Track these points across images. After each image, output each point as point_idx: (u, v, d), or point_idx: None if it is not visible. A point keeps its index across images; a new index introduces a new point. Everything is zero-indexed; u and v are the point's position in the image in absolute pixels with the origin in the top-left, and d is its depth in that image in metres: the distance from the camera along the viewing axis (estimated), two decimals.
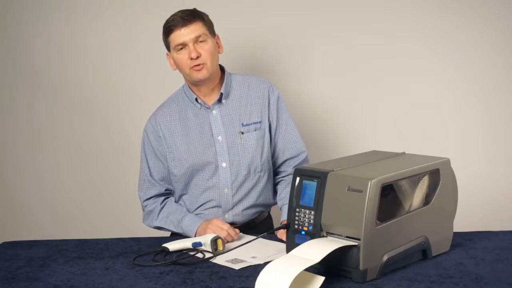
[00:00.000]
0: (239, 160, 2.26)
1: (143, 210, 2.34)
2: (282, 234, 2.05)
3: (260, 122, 2.29)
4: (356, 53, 2.96)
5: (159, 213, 2.29)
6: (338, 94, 3.00)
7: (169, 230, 2.29)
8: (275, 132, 2.32)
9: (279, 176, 2.38)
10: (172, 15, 2.22)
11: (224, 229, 2.09)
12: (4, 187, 3.22)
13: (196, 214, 2.28)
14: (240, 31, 2.74)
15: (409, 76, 2.96)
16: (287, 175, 2.35)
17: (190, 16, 2.19)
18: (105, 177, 3.15)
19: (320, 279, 1.61)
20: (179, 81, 2.39)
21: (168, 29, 2.21)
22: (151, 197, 2.32)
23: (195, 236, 2.17)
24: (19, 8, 3.07)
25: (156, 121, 2.31)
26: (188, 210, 2.29)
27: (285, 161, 2.35)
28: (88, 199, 3.17)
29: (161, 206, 2.30)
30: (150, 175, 2.31)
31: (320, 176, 1.74)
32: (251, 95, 2.30)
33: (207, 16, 2.25)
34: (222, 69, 2.32)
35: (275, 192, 2.39)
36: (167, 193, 2.35)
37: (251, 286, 1.59)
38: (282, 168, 2.37)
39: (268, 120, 2.30)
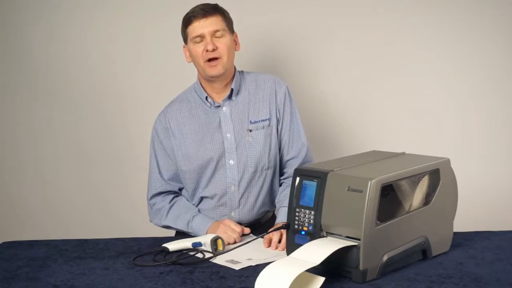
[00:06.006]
0: (247, 157, 2.26)
1: (151, 208, 2.32)
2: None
3: (268, 119, 2.28)
4: (356, 54, 2.96)
5: (168, 212, 2.28)
6: (338, 94, 3.00)
7: (178, 230, 2.29)
8: (282, 127, 2.31)
9: (281, 178, 2.38)
10: (193, 8, 2.23)
11: (236, 231, 2.09)
12: (4, 187, 3.22)
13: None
14: (243, 33, 2.73)
15: (410, 76, 2.96)
16: (288, 177, 2.33)
17: (211, 9, 2.21)
18: (105, 177, 3.15)
19: (320, 280, 1.61)
20: (184, 83, 2.40)
21: (187, 20, 2.22)
22: (159, 195, 2.31)
23: None
24: (20, 8, 3.07)
25: (165, 117, 2.31)
26: (199, 210, 2.29)
27: (288, 160, 2.34)
28: (88, 199, 3.17)
29: (170, 204, 2.29)
30: (159, 173, 2.31)
31: (320, 176, 1.74)
32: (258, 93, 2.30)
33: (228, 13, 2.27)
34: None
35: None
36: (176, 192, 2.34)
37: (251, 286, 1.59)
38: (285, 169, 2.36)
39: (276, 116, 2.30)
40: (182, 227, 2.24)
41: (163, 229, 2.34)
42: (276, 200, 2.35)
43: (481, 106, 2.95)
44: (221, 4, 2.27)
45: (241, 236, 2.10)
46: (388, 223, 1.68)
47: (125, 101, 3.09)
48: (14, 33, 3.09)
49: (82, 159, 3.16)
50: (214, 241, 1.94)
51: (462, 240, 1.97)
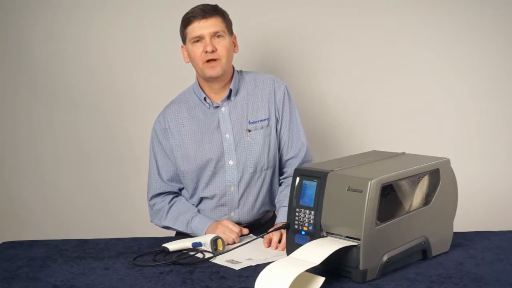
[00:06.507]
0: (246, 158, 2.26)
1: (151, 209, 2.33)
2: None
3: (267, 119, 2.28)
4: (356, 54, 2.96)
5: (167, 213, 2.28)
6: (338, 94, 3.00)
7: (177, 230, 2.29)
8: (281, 126, 2.31)
9: (280, 177, 2.38)
10: (193, 8, 2.22)
11: (234, 231, 2.09)
12: (4, 187, 3.22)
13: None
14: (243, 33, 2.74)
15: (410, 76, 2.96)
16: (287, 177, 2.33)
17: (211, 10, 2.20)
18: (105, 177, 3.15)
19: (320, 280, 1.61)
20: (184, 83, 2.39)
21: (187, 20, 2.21)
22: (159, 196, 2.31)
23: None
24: (20, 8, 3.07)
25: (164, 118, 2.31)
26: (199, 211, 2.30)
27: (288, 160, 2.34)
28: (88, 199, 3.17)
29: (170, 205, 2.29)
30: (158, 174, 2.30)
31: (320, 176, 1.74)
32: (257, 93, 2.30)
33: (227, 14, 2.26)
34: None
35: None
36: (175, 193, 2.34)
37: (251, 286, 1.59)
38: (284, 169, 2.36)
39: (275, 115, 2.30)
40: (181, 228, 2.24)
41: (163, 229, 2.34)
42: (276, 200, 2.35)
43: (481, 106, 2.95)
44: (220, 4, 2.27)
45: (240, 236, 2.10)
46: (388, 223, 1.68)
47: (125, 101, 3.09)
48: (14, 33, 3.09)
49: (82, 159, 3.16)
50: (214, 241, 1.94)
51: (462, 240, 1.97)
